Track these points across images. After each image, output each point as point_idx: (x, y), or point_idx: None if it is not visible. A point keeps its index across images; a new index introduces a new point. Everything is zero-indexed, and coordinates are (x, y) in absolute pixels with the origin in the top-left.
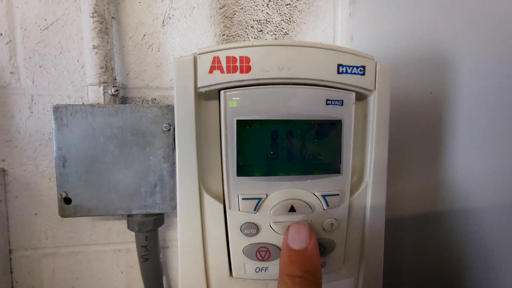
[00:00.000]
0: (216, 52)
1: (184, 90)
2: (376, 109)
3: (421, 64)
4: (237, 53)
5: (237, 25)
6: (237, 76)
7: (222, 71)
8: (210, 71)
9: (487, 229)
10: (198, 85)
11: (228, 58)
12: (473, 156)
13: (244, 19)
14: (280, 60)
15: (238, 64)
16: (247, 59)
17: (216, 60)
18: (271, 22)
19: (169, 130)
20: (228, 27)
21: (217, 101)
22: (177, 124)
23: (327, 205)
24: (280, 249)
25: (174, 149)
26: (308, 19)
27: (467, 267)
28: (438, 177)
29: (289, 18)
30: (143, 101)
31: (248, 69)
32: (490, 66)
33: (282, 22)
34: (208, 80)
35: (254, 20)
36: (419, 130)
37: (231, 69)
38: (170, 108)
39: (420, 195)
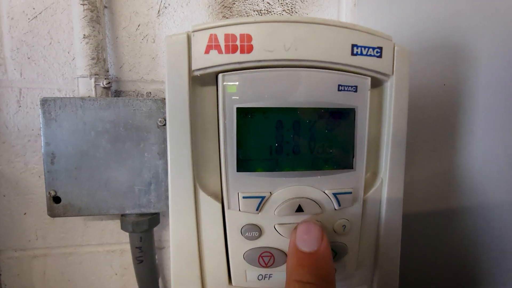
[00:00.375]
0: (213, 29)
1: (177, 73)
2: (394, 96)
3: (432, 55)
4: (237, 30)
5: (237, 15)
6: (237, 57)
7: (220, 51)
8: (207, 51)
9: (504, 225)
10: (193, 68)
11: (227, 36)
12: (488, 151)
13: (244, 8)
14: (287, 39)
15: (238, 43)
16: (249, 37)
17: (213, 38)
18: (272, 13)
19: (164, 124)
20: (227, 18)
21: (215, 86)
22: (169, 112)
23: (339, 205)
24: (287, 253)
25: None
26: (311, 10)
27: (481, 265)
28: (451, 171)
29: (291, 8)
30: (137, 95)
31: (250, 49)
32: (509, 53)
33: (283, 12)
34: (204, 61)
35: (254, 10)
36: (431, 123)
37: (230, 48)
38: (165, 102)
39: (433, 189)
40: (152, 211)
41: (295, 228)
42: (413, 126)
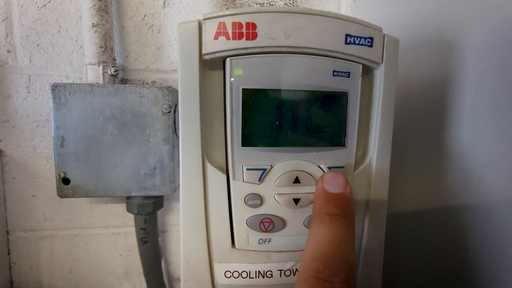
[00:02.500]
0: (222, 17)
1: (188, 57)
2: (383, 83)
3: (426, 48)
4: (243, 19)
5: (239, 7)
6: (243, 43)
7: (227, 38)
8: (216, 38)
9: (493, 224)
10: (203, 52)
11: (234, 24)
12: (478, 146)
13: (247, 1)
14: (288, 28)
15: (244, 30)
16: (254, 26)
17: (222, 26)
18: (274, 6)
19: (169, 112)
20: None
21: (221, 71)
22: (181, 92)
23: None
24: (314, 195)
25: (174, 131)
26: (312, 4)
27: (474, 264)
28: (441, 167)
29: (293, 2)
30: (143, 83)
31: (254, 36)
32: (499, 47)
33: (285, 6)
34: (213, 47)
35: (257, 3)
36: (421, 116)
37: (237, 35)
38: (170, 90)
39: (421, 186)
40: (157, 194)
41: (321, 176)
42: (402, 119)
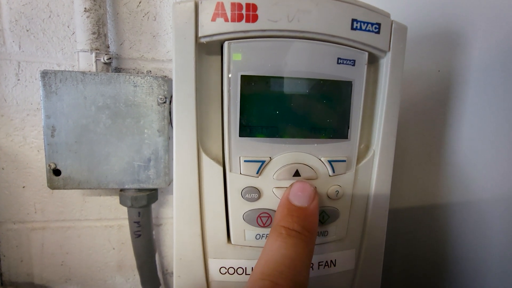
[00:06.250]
0: None
1: (184, 40)
2: (389, 72)
3: (429, 41)
4: (243, 0)
5: None
6: (243, 26)
7: (226, 19)
8: (213, 19)
9: (490, 221)
10: (199, 35)
11: (233, 4)
12: (480, 142)
13: None
14: (290, 10)
15: (244, 12)
16: (254, 7)
17: (220, 6)
18: None
19: (164, 102)
20: None
21: (219, 56)
22: (175, 78)
23: (333, 171)
24: (278, 204)
25: (170, 122)
26: None
27: (466, 261)
28: (440, 163)
29: None
30: (137, 73)
31: (255, 18)
32: (505, 43)
33: None
34: (210, 29)
35: None
36: (422, 111)
37: (236, 17)
38: (166, 79)
39: (420, 181)
40: (151, 186)
41: (291, 185)
42: (404, 111)
